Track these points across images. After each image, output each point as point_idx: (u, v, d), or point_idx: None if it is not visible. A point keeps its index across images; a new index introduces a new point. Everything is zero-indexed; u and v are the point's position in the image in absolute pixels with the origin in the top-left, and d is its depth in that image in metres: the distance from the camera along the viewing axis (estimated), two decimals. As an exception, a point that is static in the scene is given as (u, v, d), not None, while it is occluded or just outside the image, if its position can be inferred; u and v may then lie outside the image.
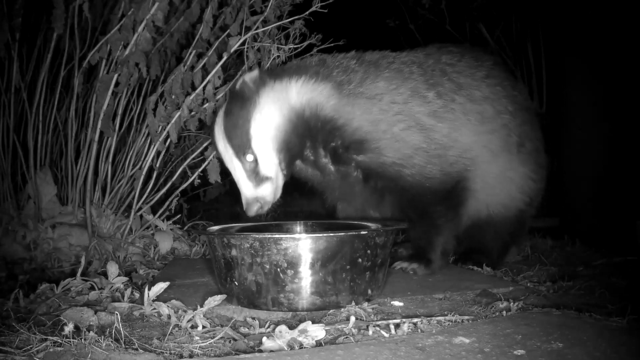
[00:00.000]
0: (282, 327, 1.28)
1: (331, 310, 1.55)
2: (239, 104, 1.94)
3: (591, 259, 2.47)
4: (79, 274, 1.77)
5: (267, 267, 1.51)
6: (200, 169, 2.54)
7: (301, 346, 1.24)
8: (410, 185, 1.99)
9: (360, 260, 1.56)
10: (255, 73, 1.98)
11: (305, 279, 1.51)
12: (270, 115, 1.94)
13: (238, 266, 1.55)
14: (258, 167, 1.93)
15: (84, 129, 2.56)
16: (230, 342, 1.32)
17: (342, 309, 1.55)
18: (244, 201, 1.95)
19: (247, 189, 1.94)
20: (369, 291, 1.62)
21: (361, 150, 1.99)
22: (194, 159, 2.68)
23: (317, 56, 2.17)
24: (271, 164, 1.94)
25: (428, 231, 2.06)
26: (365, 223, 1.96)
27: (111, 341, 1.23)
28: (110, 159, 2.55)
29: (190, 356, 1.22)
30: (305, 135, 2.00)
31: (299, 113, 1.97)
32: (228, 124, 1.95)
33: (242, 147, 1.92)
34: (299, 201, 4.16)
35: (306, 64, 2.09)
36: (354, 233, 1.56)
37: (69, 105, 2.54)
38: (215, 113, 2.28)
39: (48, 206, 2.48)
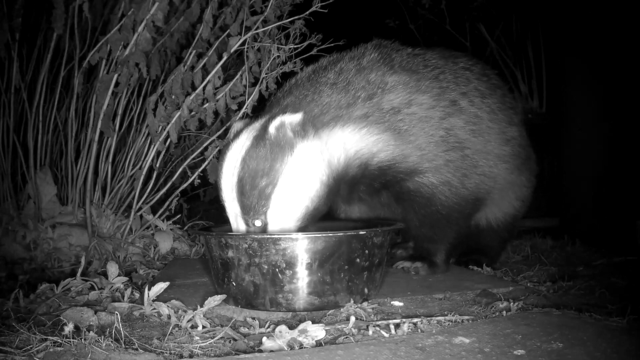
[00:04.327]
0: (282, 327, 1.28)
1: (331, 310, 1.55)
2: (266, 155, 1.63)
3: (591, 259, 2.47)
4: (79, 274, 1.77)
5: (266, 267, 1.51)
6: (200, 169, 2.54)
7: (301, 346, 1.24)
8: (442, 204, 1.97)
9: (358, 260, 1.56)
10: (298, 118, 1.67)
11: (304, 279, 1.51)
12: (307, 176, 1.68)
13: (235, 267, 1.55)
14: (266, 231, 1.68)
15: (84, 129, 2.56)
16: (230, 342, 1.32)
17: (342, 309, 1.55)
18: (233, 227, 1.75)
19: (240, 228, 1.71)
20: (367, 291, 1.62)
21: (408, 178, 1.92)
22: (194, 159, 2.68)
23: (361, 76, 1.88)
24: (284, 229, 1.69)
25: (435, 237, 2.07)
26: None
27: (111, 341, 1.23)
28: (110, 159, 2.55)
29: (190, 356, 1.22)
30: (347, 183, 1.84)
31: (347, 165, 1.78)
32: (244, 175, 1.63)
33: (254, 210, 1.64)
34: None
35: (350, 100, 1.81)
36: (352, 233, 1.56)
37: (69, 105, 2.54)
38: (228, 141, 1.81)
39: (48, 206, 2.48)
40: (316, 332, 1.27)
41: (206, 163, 2.52)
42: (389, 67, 1.94)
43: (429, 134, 1.89)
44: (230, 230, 1.76)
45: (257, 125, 1.75)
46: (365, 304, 1.58)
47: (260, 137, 1.67)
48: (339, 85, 1.85)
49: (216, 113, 2.49)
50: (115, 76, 2.33)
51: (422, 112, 1.89)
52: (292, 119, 1.68)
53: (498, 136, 2.10)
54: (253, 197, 1.63)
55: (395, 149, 1.85)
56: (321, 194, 1.72)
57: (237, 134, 1.78)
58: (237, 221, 1.70)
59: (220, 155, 1.79)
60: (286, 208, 1.67)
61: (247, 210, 1.65)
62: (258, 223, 1.66)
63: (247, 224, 1.68)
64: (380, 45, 2.05)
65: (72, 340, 1.22)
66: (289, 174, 1.66)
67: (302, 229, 1.73)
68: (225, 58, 2.40)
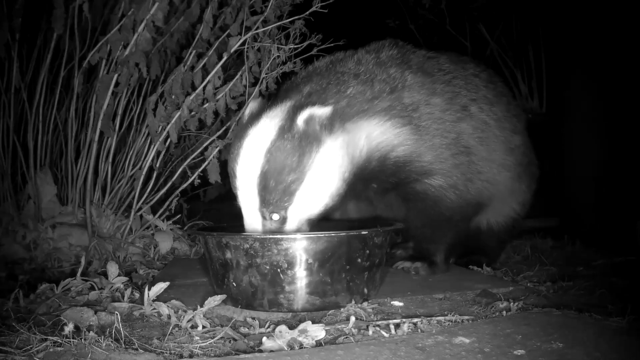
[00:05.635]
0: (282, 327, 1.28)
1: (331, 311, 1.55)
2: (294, 150, 1.60)
3: (591, 259, 2.47)
4: (79, 274, 1.77)
5: (267, 267, 1.51)
6: (200, 169, 2.53)
7: (301, 346, 1.24)
8: (446, 206, 1.98)
9: (359, 260, 1.56)
10: (327, 111, 1.63)
11: (306, 279, 1.51)
12: (330, 173, 1.67)
13: (237, 267, 1.55)
14: (282, 227, 1.67)
15: (84, 129, 2.55)
16: (230, 342, 1.32)
17: (342, 309, 1.55)
18: (246, 225, 1.71)
19: (254, 225, 1.69)
20: (367, 291, 1.62)
21: (419, 178, 1.93)
22: (194, 159, 2.68)
23: (381, 69, 1.90)
24: (301, 223, 1.70)
25: (435, 237, 2.08)
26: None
27: (111, 341, 1.23)
28: (110, 159, 2.55)
29: (190, 356, 1.22)
30: (364, 179, 1.83)
31: (368, 158, 1.78)
32: (270, 169, 1.59)
33: (275, 205, 1.62)
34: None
35: (375, 93, 1.81)
36: (354, 233, 1.56)
37: (69, 105, 2.54)
38: (243, 125, 1.75)
39: (48, 206, 2.48)
40: (316, 332, 1.27)
41: (206, 163, 2.52)
42: (407, 66, 1.96)
43: (443, 136, 1.91)
44: (226, 229, 1.75)
45: (278, 112, 1.70)
46: (365, 304, 1.58)
47: (287, 128, 1.63)
48: (362, 77, 1.85)
49: (216, 113, 2.49)
50: (115, 76, 2.33)
51: (438, 113, 1.91)
52: (321, 112, 1.64)
53: (503, 145, 2.12)
54: (277, 192, 1.61)
55: (413, 144, 1.85)
56: (341, 192, 1.72)
57: (255, 118, 1.73)
58: (252, 213, 1.66)
59: (234, 140, 1.73)
60: (308, 204, 1.66)
61: (267, 205, 1.62)
62: (276, 217, 1.65)
63: (263, 217, 1.66)
64: (397, 45, 2.07)
65: (72, 340, 1.22)
66: (315, 171, 1.63)
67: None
68: (225, 58, 2.40)
